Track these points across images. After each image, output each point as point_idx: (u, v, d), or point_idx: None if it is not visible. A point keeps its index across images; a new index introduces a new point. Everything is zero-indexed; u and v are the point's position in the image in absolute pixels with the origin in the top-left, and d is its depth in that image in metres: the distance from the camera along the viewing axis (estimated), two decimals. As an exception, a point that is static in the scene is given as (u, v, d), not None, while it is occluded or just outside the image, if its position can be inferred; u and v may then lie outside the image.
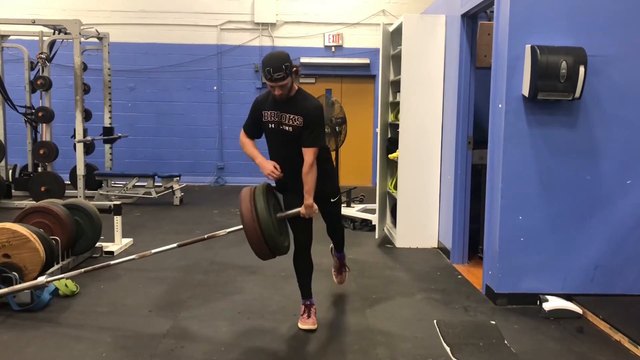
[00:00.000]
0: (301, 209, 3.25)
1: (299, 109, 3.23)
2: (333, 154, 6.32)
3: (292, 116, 3.24)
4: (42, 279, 3.48)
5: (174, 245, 3.41)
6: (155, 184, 7.76)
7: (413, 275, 4.49)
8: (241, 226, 3.13)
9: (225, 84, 9.56)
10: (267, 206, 3.11)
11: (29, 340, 3.14)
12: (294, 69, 3.18)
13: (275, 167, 3.29)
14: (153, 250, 3.44)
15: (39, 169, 7.41)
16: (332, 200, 3.55)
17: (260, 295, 3.98)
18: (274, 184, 3.43)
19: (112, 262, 3.49)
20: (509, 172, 3.71)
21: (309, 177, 3.21)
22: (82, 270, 3.54)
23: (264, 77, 3.18)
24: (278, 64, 3.08)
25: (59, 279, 3.61)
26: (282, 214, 3.31)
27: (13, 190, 7.53)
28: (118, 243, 5.09)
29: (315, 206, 3.27)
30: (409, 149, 5.24)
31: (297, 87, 3.29)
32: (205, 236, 3.42)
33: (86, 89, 7.81)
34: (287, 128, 3.27)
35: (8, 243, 3.73)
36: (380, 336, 3.28)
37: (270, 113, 3.30)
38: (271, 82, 3.13)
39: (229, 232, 3.35)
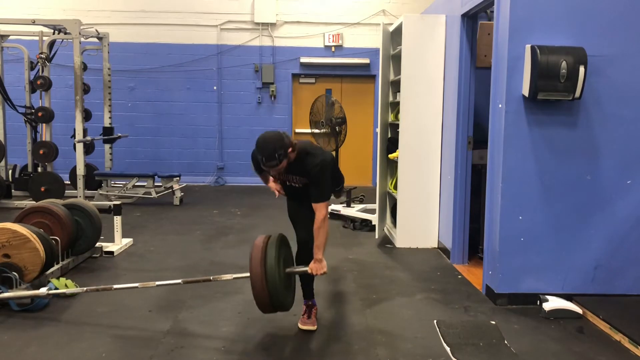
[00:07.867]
0: (310, 266, 3.15)
1: (302, 171, 3.12)
2: (333, 153, 6.33)
3: (296, 177, 3.18)
4: (43, 290, 3.50)
5: (179, 280, 3.46)
6: (155, 184, 7.75)
7: (413, 275, 4.49)
8: (248, 274, 3.07)
9: (225, 84, 9.55)
10: (277, 259, 3.04)
11: (29, 340, 3.14)
12: (290, 149, 2.97)
13: (279, 192, 3.45)
14: (157, 283, 3.48)
15: (39, 169, 7.41)
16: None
17: (260, 295, 3.97)
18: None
19: (114, 287, 3.50)
20: (509, 172, 3.71)
21: (320, 232, 3.07)
22: (85, 289, 3.56)
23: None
24: (270, 153, 2.91)
25: (61, 294, 3.62)
26: (291, 269, 3.23)
27: (13, 190, 7.53)
28: (118, 243, 5.08)
29: (325, 262, 3.15)
30: (409, 149, 5.24)
31: (297, 149, 3.07)
32: (211, 277, 3.44)
33: (86, 89, 7.81)
34: (294, 184, 3.23)
35: (8, 243, 3.73)
36: (380, 336, 3.28)
37: (273, 171, 3.16)
38: (265, 167, 3.01)
39: (235, 278, 3.34)
